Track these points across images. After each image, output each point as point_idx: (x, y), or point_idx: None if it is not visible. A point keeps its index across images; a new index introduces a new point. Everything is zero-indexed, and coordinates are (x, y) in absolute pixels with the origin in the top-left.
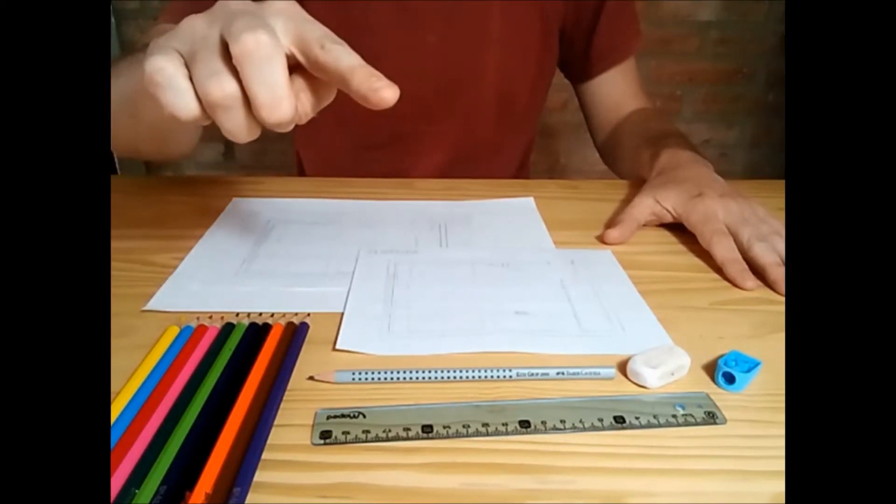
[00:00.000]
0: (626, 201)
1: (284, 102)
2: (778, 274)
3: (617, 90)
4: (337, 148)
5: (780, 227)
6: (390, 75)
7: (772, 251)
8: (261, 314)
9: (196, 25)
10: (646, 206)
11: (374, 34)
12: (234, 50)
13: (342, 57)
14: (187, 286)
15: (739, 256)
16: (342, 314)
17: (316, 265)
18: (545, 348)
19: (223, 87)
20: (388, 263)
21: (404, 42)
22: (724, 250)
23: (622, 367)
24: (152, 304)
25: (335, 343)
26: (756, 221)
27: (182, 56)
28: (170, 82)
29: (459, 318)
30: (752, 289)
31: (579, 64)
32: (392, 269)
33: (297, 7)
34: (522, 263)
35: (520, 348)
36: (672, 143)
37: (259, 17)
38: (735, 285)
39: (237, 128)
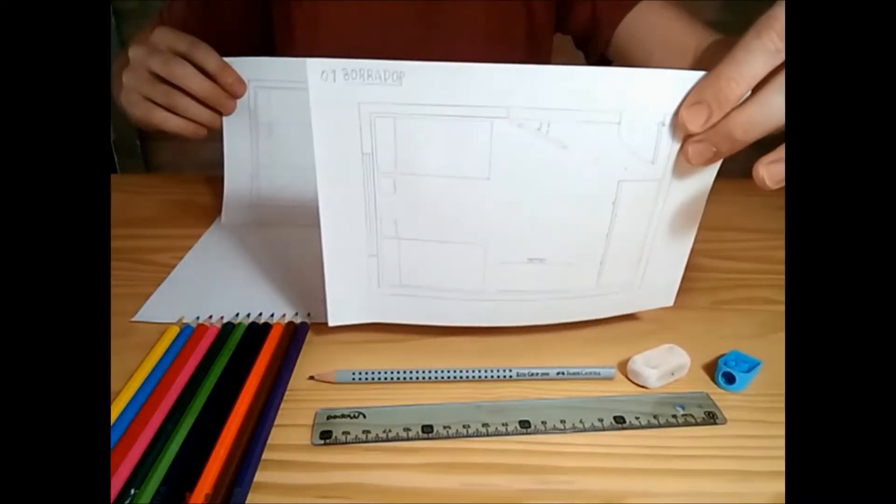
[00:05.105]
0: None
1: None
2: None
3: (650, 27)
4: None
5: None
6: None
7: None
8: (260, 314)
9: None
10: None
11: (354, 28)
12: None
13: (207, 60)
14: (178, 294)
15: None
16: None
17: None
18: (549, 318)
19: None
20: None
21: (384, 34)
22: None
23: (622, 367)
24: (140, 316)
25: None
26: None
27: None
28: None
29: (458, 273)
30: None
31: (595, 34)
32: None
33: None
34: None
35: (517, 321)
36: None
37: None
38: None
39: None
